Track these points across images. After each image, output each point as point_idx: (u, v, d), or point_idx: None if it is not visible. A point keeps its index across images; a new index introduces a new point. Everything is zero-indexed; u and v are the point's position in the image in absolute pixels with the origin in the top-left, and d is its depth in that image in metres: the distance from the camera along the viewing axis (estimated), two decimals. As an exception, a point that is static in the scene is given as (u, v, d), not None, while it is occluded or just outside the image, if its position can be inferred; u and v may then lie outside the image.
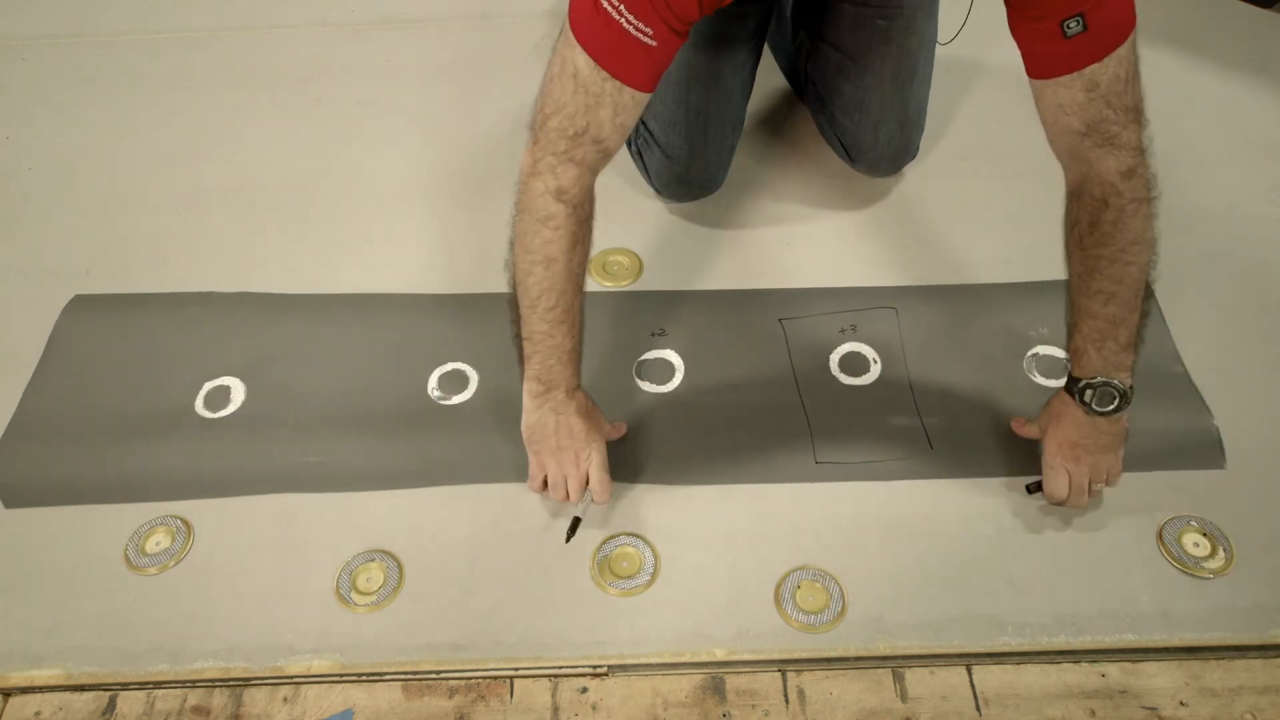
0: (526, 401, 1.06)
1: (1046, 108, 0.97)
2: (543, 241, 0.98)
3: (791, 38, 1.52)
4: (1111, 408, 1.01)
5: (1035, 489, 1.09)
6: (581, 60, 0.91)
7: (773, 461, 1.15)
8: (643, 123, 1.38)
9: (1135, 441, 1.07)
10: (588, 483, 1.06)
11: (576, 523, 1.06)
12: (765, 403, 1.20)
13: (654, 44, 0.91)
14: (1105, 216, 0.97)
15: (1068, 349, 1.04)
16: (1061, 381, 1.06)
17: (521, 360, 1.04)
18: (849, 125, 1.41)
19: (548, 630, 1.02)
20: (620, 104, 0.94)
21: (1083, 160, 0.97)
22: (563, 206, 0.97)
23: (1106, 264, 0.98)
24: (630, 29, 0.89)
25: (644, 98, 0.95)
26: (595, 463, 1.06)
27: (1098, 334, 1.00)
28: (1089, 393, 1.01)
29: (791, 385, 1.22)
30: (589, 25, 0.90)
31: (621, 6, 0.88)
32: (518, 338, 1.04)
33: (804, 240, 1.40)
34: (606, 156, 0.98)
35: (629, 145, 1.45)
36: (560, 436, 1.05)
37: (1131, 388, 1.01)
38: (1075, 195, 1.00)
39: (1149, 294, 1.02)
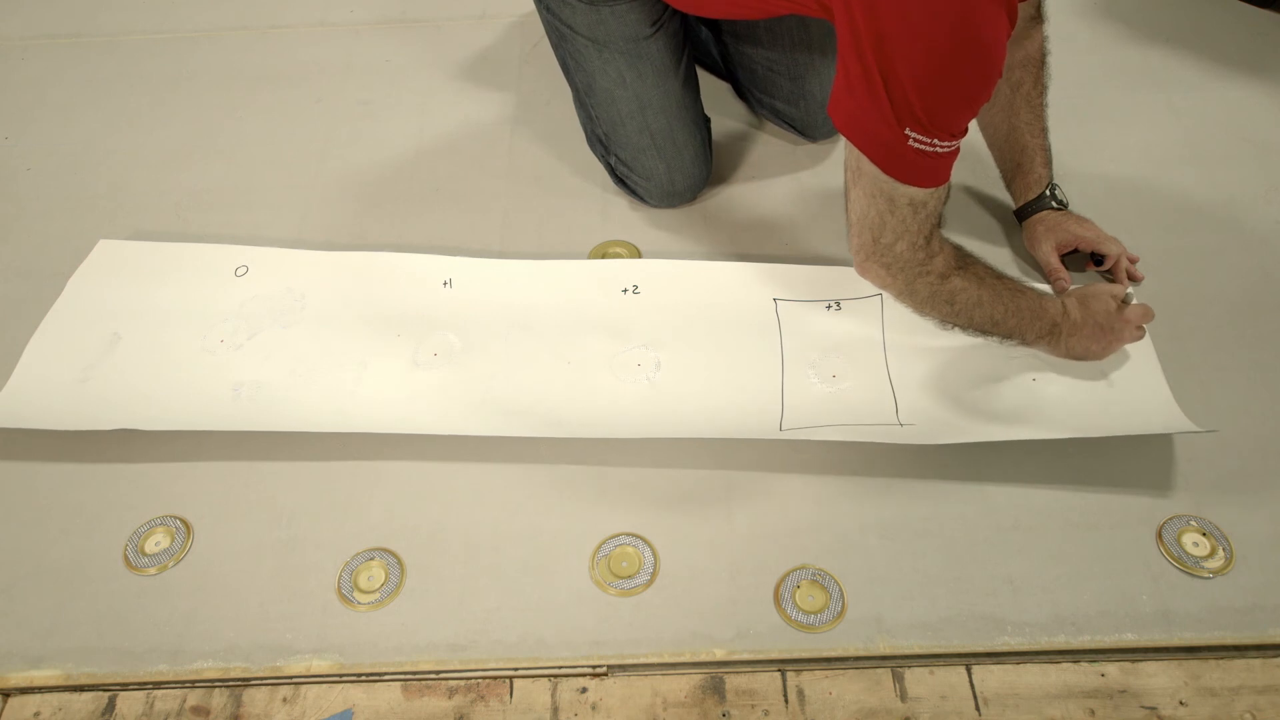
0: (1059, 353, 1.17)
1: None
2: (966, 292, 1.10)
3: (707, 38, 1.58)
4: (1066, 200, 1.31)
5: (1098, 261, 1.29)
6: (910, 194, 1.02)
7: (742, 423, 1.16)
8: (616, 155, 1.41)
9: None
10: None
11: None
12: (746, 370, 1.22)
13: (955, 146, 1.00)
14: (1044, 73, 1.24)
15: (1026, 181, 1.29)
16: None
17: (1034, 341, 1.16)
18: (797, 114, 1.48)
19: (547, 630, 1.02)
20: (944, 193, 1.06)
21: (1029, 38, 1.22)
22: (956, 273, 1.09)
23: (1042, 107, 1.26)
24: (942, 150, 0.99)
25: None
26: (1123, 327, 1.15)
27: (1045, 159, 1.29)
28: (1057, 191, 1.29)
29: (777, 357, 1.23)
30: (902, 164, 1.00)
31: (934, 140, 0.98)
32: (1016, 344, 1.16)
33: (801, 234, 1.39)
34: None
35: (612, 181, 1.46)
36: (1091, 344, 1.16)
37: None
38: (1021, 65, 1.23)
39: None
